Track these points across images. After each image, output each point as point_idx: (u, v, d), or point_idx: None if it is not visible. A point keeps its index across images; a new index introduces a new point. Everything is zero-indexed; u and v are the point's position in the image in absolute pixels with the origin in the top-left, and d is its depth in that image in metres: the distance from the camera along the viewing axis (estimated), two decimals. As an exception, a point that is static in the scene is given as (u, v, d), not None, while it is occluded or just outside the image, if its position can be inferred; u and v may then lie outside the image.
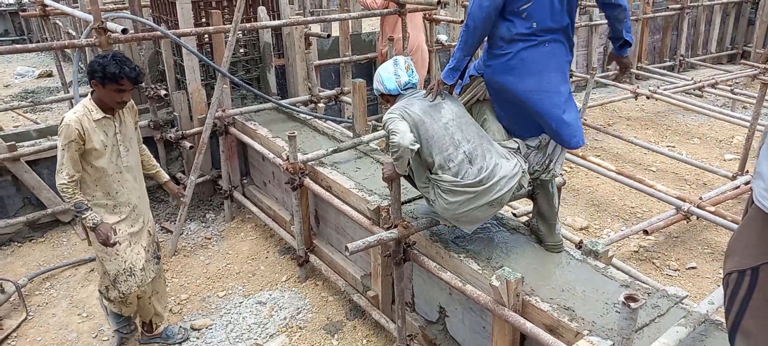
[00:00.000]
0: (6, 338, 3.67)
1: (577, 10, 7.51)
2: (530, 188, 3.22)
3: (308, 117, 5.07)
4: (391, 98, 2.96)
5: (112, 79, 2.81)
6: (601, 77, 8.42)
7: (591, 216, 5.06)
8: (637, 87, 7.10)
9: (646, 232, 4.20)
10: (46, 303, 3.98)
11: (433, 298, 3.26)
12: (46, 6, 6.36)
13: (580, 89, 8.35)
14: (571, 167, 5.85)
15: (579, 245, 3.87)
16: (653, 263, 4.38)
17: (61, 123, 2.85)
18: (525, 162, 2.85)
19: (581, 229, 4.84)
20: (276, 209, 4.70)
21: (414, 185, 2.97)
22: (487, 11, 2.67)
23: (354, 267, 3.89)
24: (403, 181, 2.95)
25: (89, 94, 2.95)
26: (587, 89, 6.52)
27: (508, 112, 2.94)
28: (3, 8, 13.27)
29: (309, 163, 3.96)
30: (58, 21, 9.54)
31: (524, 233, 3.12)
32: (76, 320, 3.82)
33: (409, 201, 3.37)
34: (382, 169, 2.86)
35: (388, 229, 2.98)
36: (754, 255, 1.32)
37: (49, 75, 10.52)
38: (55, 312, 3.89)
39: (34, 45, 4.36)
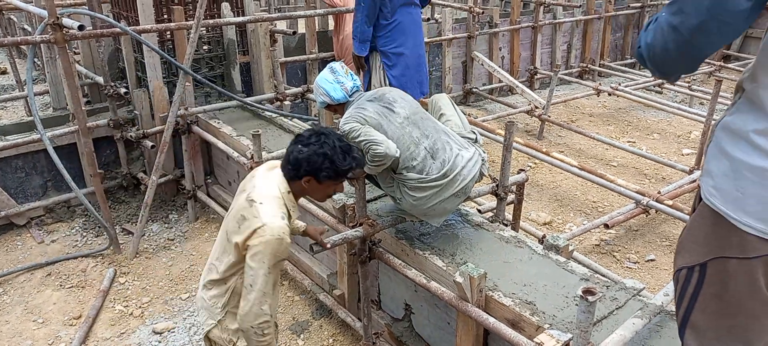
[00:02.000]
0: (-44, 347, 3.54)
1: (542, 9, 7.67)
2: (494, 186, 3.27)
3: (274, 115, 5.02)
4: (339, 107, 2.95)
5: (343, 174, 2.19)
6: (565, 74, 8.59)
7: (554, 211, 5.15)
8: (600, 84, 7.26)
9: (607, 226, 4.30)
10: (0, 309, 3.84)
11: (399, 295, 3.27)
12: (-1, 1, 6.12)
13: (544, 86, 8.50)
14: (535, 163, 5.95)
15: (542, 240, 3.93)
16: (614, 256, 4.48)
17: (260, 229, 2.03)
18: (483, 151, 2.92)
19: (544, 224, 4.92)
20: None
21: (377, 185, 2.97)
22: None
23: (320, 266, 3.87)
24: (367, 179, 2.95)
25: (281, 185, 2.16)
26: (551, 86, 6.63)
27: None
28: (-47, 3, 12.71)
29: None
30: (12, 16, 9.20)
31: (488, 229, 3.15)
32: (31, 326, 3.70)
33: (375, 199, 3.38)
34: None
35: (353, 227, 2.97)
36: (702, 252, 1.36)
37: (3, 72, 10.13)
38: (9, 319, 3.75)
39: (-16, 41, 4.19)
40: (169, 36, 5.20)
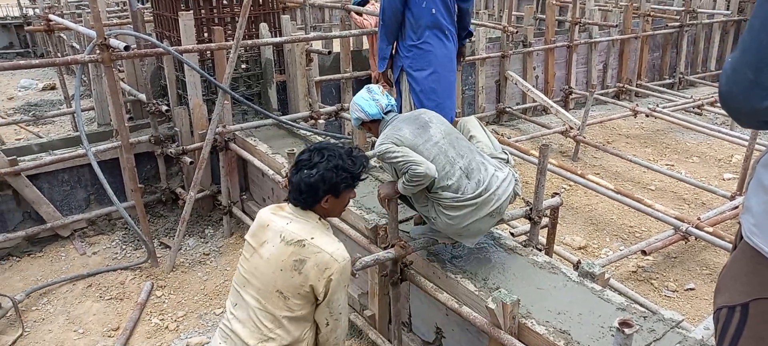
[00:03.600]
0: (2, 353, 3.68)
1: (577, 28, 7.60)
2: (527, 210, 3.24)
3: (308, 133, 5.10)
4: (373, 125, 2.99)
5: (359, 178, 2.17)
6: (601, 94, 8.47)
7: (589, 235, 5.06)
8: (637, 105, 7.13)
9: (644, 252, 4.20)
10: (43, 319, 3.98)
11: (431, 318, 3.26)
12: (50, 21, 6.42)
13: (579, 106, 8.39)
14: (570, 185, 5.86)
15: (576, 266, 3.87)
16: (652, 283, 4.37)
17: (331, 261, 2.01)
18: (516, 171, 2.93)
19: (579, 248, 4.83)
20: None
21: (411, 206, 2.98)
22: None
23: (352, 286, 3.88)
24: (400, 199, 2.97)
25: (309, 215, 2.11)
26: (586, 106, 6.54)
27: None
28: (8, 21, 13.37)
29: (308, 180, 3.96)
30: (62, 34, 9.63)
31: (521, 253, 3.12)
32: (73, 336, 3.82)
33: (407, 220, 3.39)
34: (378, 189, 2.88)
35: (385, 248, 2.99)
36: (743, 291, 1.32)
37: (53, 88, 10.58)
38: (52, 328, 3.89)
39: (37, 61, 4.40)
40: (209, 55, 5.36)
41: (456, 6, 4.13)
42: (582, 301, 2.68)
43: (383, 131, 2.88)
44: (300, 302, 2.03)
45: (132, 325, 3.88)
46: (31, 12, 12.78)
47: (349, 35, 5.84)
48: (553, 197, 3.48)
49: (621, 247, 4.80)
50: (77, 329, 3.89)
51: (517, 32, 7.62)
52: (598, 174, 6.19)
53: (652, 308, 3.49)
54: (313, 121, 5.40)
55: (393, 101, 3.04)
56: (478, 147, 3.01)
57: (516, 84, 7.71)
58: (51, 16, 6.50)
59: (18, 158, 4.61)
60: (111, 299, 4.22)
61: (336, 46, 6.82)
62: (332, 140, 2.26)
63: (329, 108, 5.59)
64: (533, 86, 7.79)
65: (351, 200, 3.62)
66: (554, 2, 8.33)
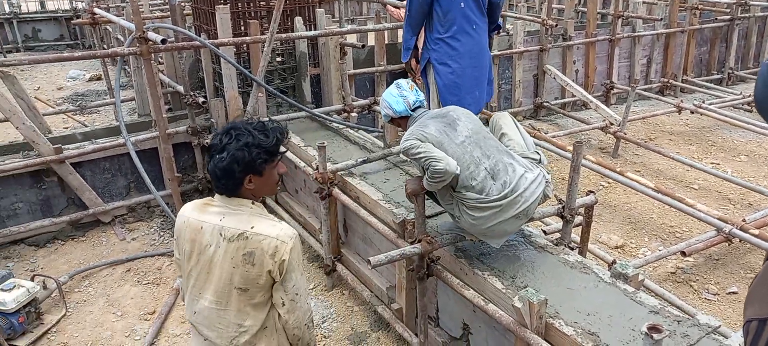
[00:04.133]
0: (46, 332, 3.84)
1: (620, 21, 7.36)
2: (560, 207, 3.16)
3: (341, 126, 5.11)
4: (402, 121, 2.98)
5: (276, 152, 1.97)
6: (644, 90, 8.20)
7: (627, 234, 4.91)
8: (682, 101, 6.87)
9: (684, 253, 4.05)
10: (84, 301, 4.14)
11: (458, 314, 3.23)
12: (95, 15, 6.64)
13: (621, 102, 8.14)
14: (608, 182, 5.70)
15: (612, 264, 3.76)
16: (691, 285, 4.21)
17: (279, 243, 1.93)
18: (547, 172, 2.85)
19: (616, 247, 4.70)
20: (306, 217, 4.75)
21: (437, 202, 2.95)
22: None
23: (380, 278, 3.89)
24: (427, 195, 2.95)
25: (239, 204, 1.98)
26: (628, 102, 6.34)
27: None
28: (59, 14, 13.89)
29: (338, 173, 3.98)
30: (108, 27, 9.94)
31: (552, 252, 3.06)
32: (111, 318, 3.96)
33: (435, 215, 3.36)
34: (405, 185, 2.86)
35: (412, 243, 2.97)
36: None
37: (99, 78, 10.93)
38: (92, 310, 4.04)
39: (80, 53, 4.55)
40: (245, 48, 5.43)
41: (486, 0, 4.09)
42: (613, 303, 2.60)
43: (410, 127, 2.87)
44: (261, 290, 1.99)
45: (167, 309, 3.99)
46: (79, 5, 13.24)
47: (384, 28, 5.83)
48: (587, 195, 3.39)
49: (660, 247, 4.65)
50: (116, 312, 4.02)
51: (556, 25, 7.44)
52: (638, 172, 6.00)
53: (689, 312, 3.37)
54: (345, 114, 5.42)
55: (422, 97, 3.03)
56: (509, 146, 2.94)
57: (554, 78, 7.54)
58: (96, 10, 6.72)
59: (63, 146, 4.79)
60: (148, 283, 4.35)
61: (371, 40, 6.81)
62: (241, 120, 2.10)
63: (362, 101, 5.59)
64: (573, 81, 7.60)
65: (380, 193, 3.68)
66: (596, -6, 8.08)
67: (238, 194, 1.96)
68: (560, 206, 3.23)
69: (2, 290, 3.66)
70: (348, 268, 4.14)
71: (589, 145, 6.86)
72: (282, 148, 1.99)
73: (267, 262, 1.92)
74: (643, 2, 8.59)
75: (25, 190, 4.77)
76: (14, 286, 3.72)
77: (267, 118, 4.26)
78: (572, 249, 3.24)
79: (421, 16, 4.00)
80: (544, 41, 7.48)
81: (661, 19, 8.51)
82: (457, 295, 3.15)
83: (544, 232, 3.84)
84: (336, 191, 3.89)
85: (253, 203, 1.99)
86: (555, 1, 12.58)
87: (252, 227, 1.93)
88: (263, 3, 5.73)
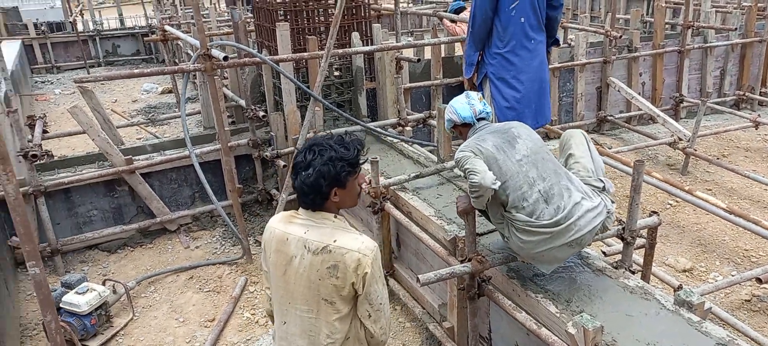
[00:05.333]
0: (115, 334, 4.06)
1: (690, 32, 7.03)
2: (620, 229, 3.04)
3: (395, 140, 5.14)
4: (464, 129, 2.95)
5: (357, 162, 2.03)
6: (716, 103, 7.77)
7: (696, 257, 4.64)
8: (759, 115, 6.45)
9: (759, 280, 3.78)
10: (150, 306, 4.34)
11: (510, 336, 3.15)
12: (166, 32, 7.01)
13: (691, 116, 7.73)
14: (676, 201, 5.42)
15: (678, 289, 3.56)
16: (768, 315, 3.93)
17: (361, 256, 1.97)
18: (611, 201, 2.72)
19: (684, 271, 4.45)
20: (360, 230, 4.78)
21: (489, 220, 2.91)
22: None
23: (432, 295, 3.86)
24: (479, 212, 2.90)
25: (324, 217, 2.03)
26: (698, 116, 6.01)
27: None
28: (135, 31, 14.78)
29: (391, 187, 4.00)
30: (178, 42, 10.48)
31: (611, 275, 2.93)
32: (174, 324, 4.13)
33: (488, 233, 3.31)
34: (456, 203, 2.83)
35: (462, 262, 2.94)
36: None
37: (170, 91, 11.52)
38: (156, 315, 4.23)
39: (149, 70, 4.82)
40: (303, 63, 5.57)
41: (545, 14, 4.03)
42: (676, 332, 2.47)
43: (469, 138, 2.85)
44: (345, 302, 2.04)
45: (226, 317, 4.12)
46: (154, 22, 14.03)
47: (439, 43, 5.82)
48: (650, 215, 3.24)
49: (733, 272, 4.36)
50: (178, 318, 4.20)
51: (621, 36, 7.18)
52: (709, 190, 5.68)
53: (764, 344, 3.14)
54: (400, 128, 5.44)
55: (489, 110, 2.98)
56: (573, 169, 2.83)
57: (619, 91, 7.27)
58: (166, 27, 7.09)
59: (133, 157, 5.07)
60: (209, 291, 4.51)
61: (427, 54, 6.82)
62: (321, 135, 2.15)
63: (417, 115, 5.60)
64: (638, 94, 7.30)
65: (432, 209, 3.66)
66: (664, 4, 7.74)
67: (323, 208, 2.03)
68: (620, 227, 3.10)
69: (77, 293, 3.90)
70: (400, 283, 4.14)
71: (655, 162, 6.56)
72: (362, 160, 2.05)
73: (350, 275, 1.98)
74: (716, 11, 8.14)
75: (99, 198, 5.08)
76: (87, 289, 3.95)
77: (344, 132, 4.35)
78: (633, 273, 3.10)
79: (485, 31, 4.01)
80: (608, 53, 7.23)
81: (736, 28, 8.03)
82: (509, 316, 3.08)
83: (604, 253, 3.69)
84: (388, 205, 3.91)
85: (335, 217, 2.06)
86: (620, 11, 12.19)
87: (335, 241, 1.99)
88: (322, 19, 5.86)
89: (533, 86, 4.03)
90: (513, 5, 3.88)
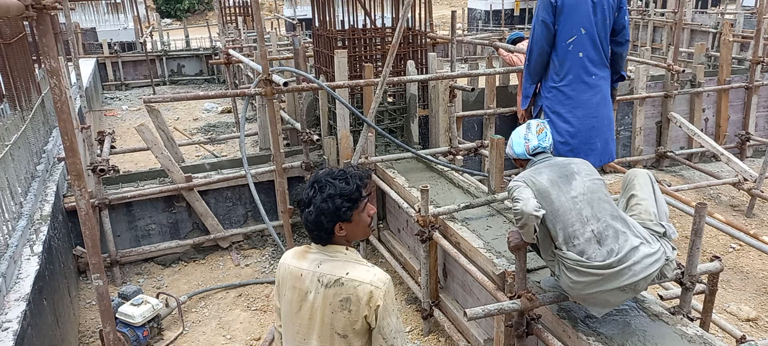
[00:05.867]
0: (166, 346, 4.20)
1: (759, 67, 6.71)
2: (678, 273, 2.92)
3: (445, 168, 5.13)
4: (521, 163, 2.92)
5: (360, 197, 2.02)
6: (788, 143, 7.36)
7: (762, 305, 4.38)
8: (835, 157, 6.05)
9: (833, 336, 3.52)
10: (199, 321, 4.47)
11: (558, 377, 3.05)
12: (229, 56, 7.31)
13: (759, 155, 7.35)
14: (740, 245, 5.14)
15: (740, 340, 3.36)
16: (842, 374, 3.64)
17: (373, 289, 1.96)
18: (672, 248, 2.61)
19: (747, 320, 4.20)
20: (407, 257, 4.79)
21: (540, 256, 2.85)
22: None
23: (478, 329, 3.80)
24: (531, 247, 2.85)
25: (336, 251, 2.04)
26: (766, 156, 5.71)
27: None
28: (200, 52, 15.48)
29: (440, 216, 3.99)
30: (240, 65, 10.89)
31: (668, 321, 2.81)
32: (221, 340, 4.23)
33: (538, 269, 3.24)
34: (508, 238, 2.80)
35: (511, 298, 2.88)
36: None
37: (229, 111, 11.96)
38: (205, 331, 4.34)
39: (213, 92, 5.04)
40: (358, 89, 5.68)
41: (609, 49, 3.95)
42: (738, 387, 2.33)
43: (526, 170, 2.83)
44: (358, 336, 2.03)
45: (271, 338, 4.19)
46: (218, 44, 14.66)
47: (494, 72, 5.81)
48: (712, 261, 3.09)
49: (803, 325, 4.09)
50: (225, 335, 4.30)
51: (683, 70, 6.95)
52: (778, 235, 5.35)
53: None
54: (451, 156, 5.44)
55: (548, 143, 2.93)
56: (635, 210, 2.73)
57: (680, 127, 7.01)
58: (230, 51, 7.40)
59: (192, 175, 5.28)
60: (256, 309, 4.60)
61: (482, 82, 6.81)
62: (323, 171, 2.12)
63: (469, 144, 5.58)
64: (701, 130, 7.02)
65: (481, 241, 3.62)
66: (731, 39, 7.45)
67: (332, 242, 2.03)
68: (679, 270, 2.97)
69: (132, 304, 4.07)
70: (445, 314, 4.10)
71: (718, 202, 6.26)
72: (364, 192, 2.03)
73: (363, 308, 1.97)
74: (790, 46, 7.77)
75: (158, 213, 5.31)
76: (142, 301, 4.12)
77: (349, 162, 4.27)
78: (692, 320, 2.96)
79: (541, 65, 3.97)
80: (670, 87, 7.01)
81: (812, 64, 7.63)
82: (558, 357, 3.00)
83: (661, 297, 3.54)
84: (437, 234, 3.89)
85: (346, 249, 2.05)
86: (684, 44, 11.81)
87: (347, 273, 1.98)
88: (379, 47, 5.98)
89: (590, 122, 3.93)
90: (570, 40, 3.82)
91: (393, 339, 2.02)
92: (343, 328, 2.00)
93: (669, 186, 5.89)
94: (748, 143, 7.42)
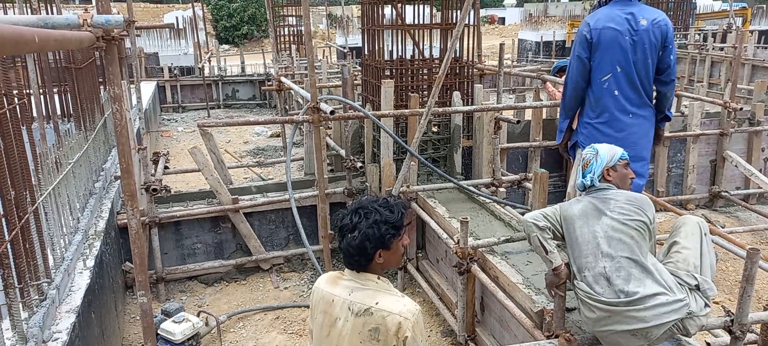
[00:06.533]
0: (204, 365, 4.29)
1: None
2: (728, 321, 2.78)
3: (488, 200, 5.09)
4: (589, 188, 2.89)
5: (401, 225, 2.09)
6: None
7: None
8: None
9: None
10: (237, 341, 4.55)
11: None
12: (281, 83, 7.55)
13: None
14: (801, 295, 4.84)
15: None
16: None
17: (401, 319, 1.98)
18: (705, 305, 2.49)
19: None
20: (444, 288, 4.75)
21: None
22: None
23: (514, 366, 3.71)
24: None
25: (368, 279, 2.08)
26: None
27: None
28: (254, 78, 16.04)
29: (479, 249, 3.96)
30: (291, 91, 11.22)
31: (711, 371, 2.68)
32: (258, 361, 4.30)
33: (577, 309, 3.15)
34: (545, 276, 2.76)
35: (549, 338, 2.83)
36: None
37: (278, 136, 12.28)
38: (242, 351, 4.43)
39: (263, 119, 5.22)
40: (404, 118, 5.74)
41: (654, 88, 3.85)
42: None
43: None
44: None
45: (306, 361, 4.22)
46: (271, 71, 15.16)
47: (540, 106, 5.76)
48: (766, 309, 2.93)
49: None
50: (262, 356, 4.36)
51: (741, 108, 6.69)
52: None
53: None
54: (494, 188, 5.40)
55: (593, 176, 2.82)
56: (674, 258, 2.64)
57: (736, 166, 6.72)
58: (282, 79, 7.65)
59: (239, 197, 5.44)
60: (293, 333, 4.65)
61: (528, 115, 6.76)
62: (366, 198, 2.15)
63: (512, 176, 5.53)
64: (760, 170, 6.70)
65: (520, 276, 3.57)
66: (795, 75, 7.13)
67: (368, 269, 2.07)
68: (728, 318, 2.83)
69: (174, 322, 4.19)
70: (481, 349, 4.03)
71: (778, 248, 5.93)
72: (405, 222, 2.08)
73: (391, 338, 1.98)
74: None
75: (204, 233, 5.48)
76: (183, 319, 4.24)
77: (390, 191, 4.44)
78: (742, 372, 2.80)
79: (576, 102, 3.94)
80: (725, 125, 6.75)
81: None
82: (596, 401, 2.89)
83: (708, 344, 3.37)
84: (475, 267, 3.86)
85: (378, 278, 2.08)
86: (743, 80, 11.36)
87: (377, 303, 2.01)
88: (425, 77, 6.05)
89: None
90: (605, 77, 3.76)
91: None
92: None
93: (723, 227, 5.63)
94: (812, 186, 7.02)
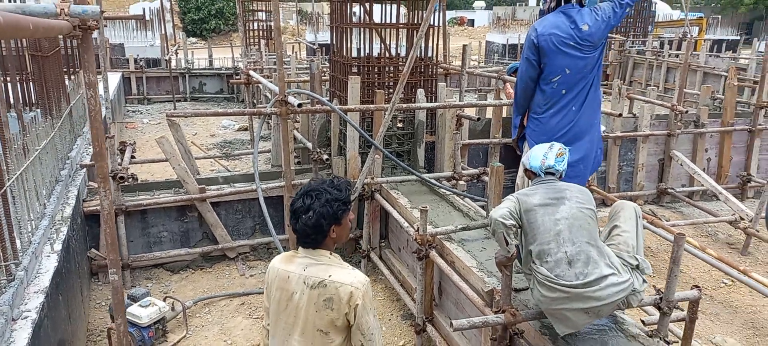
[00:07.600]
0: (170, 348, 4.39)
1: (762, 112, 6.87)
2: (657, 298, 3.07)
3: (448, 192, 5.33)
4: (530, 175, 3.11)
5: (348, 201, 2.26)
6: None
7: (747, 340, 4.47)
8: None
9: (814, 372, 3.62)
10: (202, 326, 4.67)
11: (539, 392, 3.20)
12: (250, 76, 7.64)
13: (760, 196, 7.43)
14: (731, 281, 5.24)
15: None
16: (823, 411, 3.72)
17: (353, 289, 2.17)
18: (643, 281, 2.79)
19: (734, 354, 4.30)
20: (405, 275, 4.97)
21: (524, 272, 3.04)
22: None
23: (468, 343, 3.95)
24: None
25: (321, 255, 2.23)
26: (763, 197, 5.82)
27: None
28: (222, 71, 15.95)
29: (438, 236, 4.18)
30: (259, 85, 11.27)
31: (644, 342, 2.96)
32: (222, 345, 4.42)
33: (526, 289, 3.40)
34: (495, 255, 2.99)
35: (496, 313, 3.06)
36: None
37: (245, 129, 12.29)
38: (207, 335, 4.54)
39: (231, 110, 5.33)
40: (369, 114, 5.94)
41: (599, 74, 4.23)
42: (702, 406, 2.47)
43: (524, 188, 3.06)
44: (338, 332, 2.24)
45: (271, 344, 4.37)
46: (240, 64, 15.12)
47: (500, 104, 6.04)
48: (691, 289, 3.24)
49: (789, 362, 4.17)
50: (226, 340, 4.49)
51: (687, 111, 7.13)
52: (772, 275, 5.44)
53: None
54: (454, 181, 5.64)
55: (561, 168, 3.08)
56: (616, 240, 2.92)
57: (681, 165, 7.15)
58: (250, 72, 7.74)
59: (206, 187, 5.53)
60: (257, 318, 4.79)
61: (489, 112, 7.03)
62: (312, 181, 2.37)
63: (472, 170, 5.78)
64: (703, 169, 7.15)
65: (474, 261, 3.81)
66: (736, 83, 7.62)
67: (321, 246, 2.25)
68: (658, 296, 3.13)
69: (140, 306, 4.29)
70: (438, 331, 4.25)
71: (714, 239, 6.36)
72: (352, 197, 2.27)
73: (343, 307, 2.19)
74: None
75: (171, 221, 5.56)
76: (149, 303, 4.34)
77: (333, 176, 4.58)
78: (668, 344, 3.10)
79: (526, 99, 4.32)
80: (673, 126, 7.17)
81: (817, 111, 7.74)
82: (539, 372, 3.14)
83: (643, 322, 3.67)
84: (433, 253, 4.07)
85: (330, 254, 2.28)
86: (695, 86, 11.95)
87: (330, 276, 2.20)
88: (391, 75, 6.25)
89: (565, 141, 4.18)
90: (556, 78, 4.10)
91: (370, 335, 2.24)
92: (325, 325, 2.22)
93: (667, 221, 6.01)
94: (749, 185, 7.53)
